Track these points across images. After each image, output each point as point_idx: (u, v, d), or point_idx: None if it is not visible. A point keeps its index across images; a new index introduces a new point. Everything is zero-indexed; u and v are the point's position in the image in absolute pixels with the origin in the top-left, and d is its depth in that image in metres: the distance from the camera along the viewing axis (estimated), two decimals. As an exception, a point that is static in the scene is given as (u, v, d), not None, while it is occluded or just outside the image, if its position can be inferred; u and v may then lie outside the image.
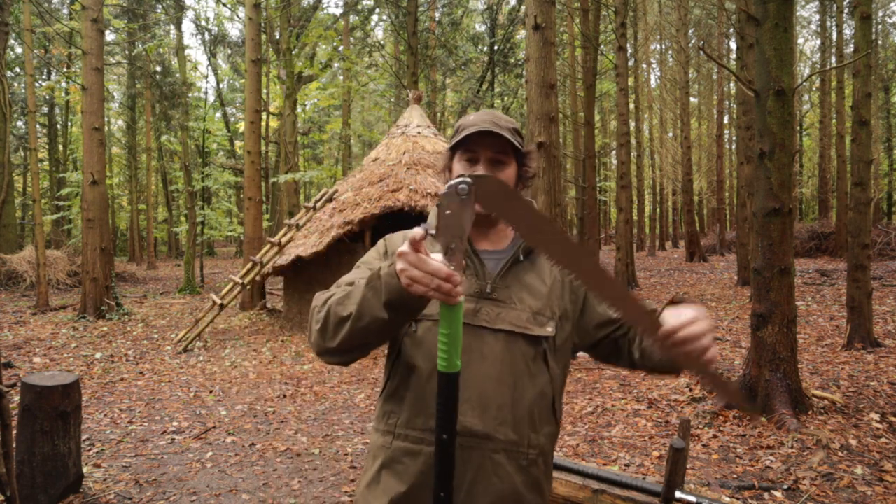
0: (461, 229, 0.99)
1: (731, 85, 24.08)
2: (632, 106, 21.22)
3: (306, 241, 8.83)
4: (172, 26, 21.58)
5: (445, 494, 1.05)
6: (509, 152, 1.29)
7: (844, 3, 17.30)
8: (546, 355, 1.25)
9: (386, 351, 1.33)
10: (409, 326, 1.23)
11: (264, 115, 18.86)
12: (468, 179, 0.99)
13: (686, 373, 1.09)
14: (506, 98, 23.07)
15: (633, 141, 21.62)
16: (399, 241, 1.35)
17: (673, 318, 1.05)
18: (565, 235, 1.03)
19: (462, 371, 1.17)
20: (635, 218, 27.91)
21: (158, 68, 22.74)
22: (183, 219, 22.45)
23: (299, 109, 21.42)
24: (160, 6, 20.82)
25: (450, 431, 1.03)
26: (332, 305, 1.13)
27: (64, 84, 20.85)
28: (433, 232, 1.00)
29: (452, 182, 0.98)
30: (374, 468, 1.25)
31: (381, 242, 1.39)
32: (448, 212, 0.99)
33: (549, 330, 1.25)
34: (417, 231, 0.98)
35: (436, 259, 0.96)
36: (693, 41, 25.99)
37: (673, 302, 1.11)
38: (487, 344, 1.22)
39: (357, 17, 20.35)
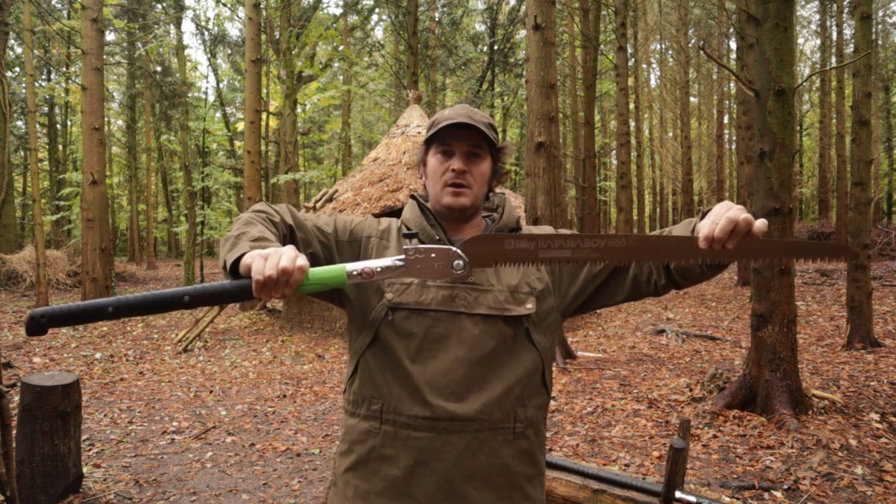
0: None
1: (731, 85, 24.06)
2: (632, 106, 21.21)
3: (306, 241, 8.83)
4: (172, 26, 21.58)
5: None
6: (484, 146, 1.28)
7: (844, 3, 17.30)
8: (529, 332, 1.25)
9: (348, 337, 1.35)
10: (387, 315, 1.23)
11: (264, 115, 18.84)
12: (464, 257, 1.02)
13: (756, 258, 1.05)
14: (506, 98, 23.06)
15: (633, 141, 21.61)
16: (380, 225, 1.35)
17: (704, 227, 1.00)
18: (563, 235, 1.04)
19: (441, 357, 1.22)
20: (635, 218, 27.91)
21: (158, 68, 22.74)
22: (183, 219, 22.46)
23: (299, 109, 21.42)
24: (160, 6, 20.82)
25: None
26: (229, 238, 1.11)
27: (63, 84, 20.84)
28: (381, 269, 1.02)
29: (448, 254, 1.02)
30: (361, 451, 1.25)
31: (360, 219, 1.37)
32: (420, 268, 1.02)
33: (529, 307, 1.24)
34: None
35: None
36: (693, 41, 25.98)
37: (702, 216, 1.09)
38: (465, 328, 1.22)
39: (357, 17, 20.35)
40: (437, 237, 1.28)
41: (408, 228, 1.32)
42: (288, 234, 1.24)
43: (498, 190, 1.41)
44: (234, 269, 1.03)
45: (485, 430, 1.21)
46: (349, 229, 1.32)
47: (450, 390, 1.20)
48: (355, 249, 1.31)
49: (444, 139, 1.27)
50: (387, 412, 1.23)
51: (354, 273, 1.00)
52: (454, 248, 1.02)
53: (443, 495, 1.20)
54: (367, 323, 1.26)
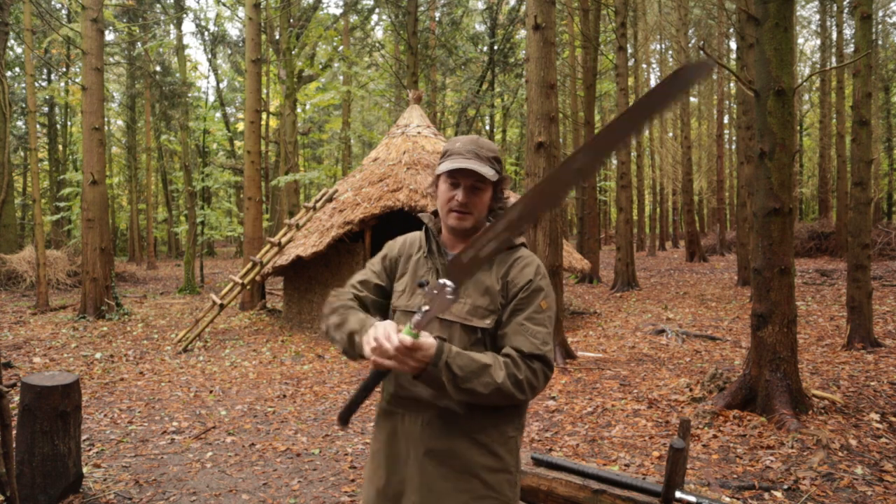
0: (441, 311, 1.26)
1: (731, 85, 24.07)
2: (632, 106, 21.15)
3: (306, 241, 8.83)
4: (172, 26, 21.57)
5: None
6: (486, 180, 1.50)
7: (844, 3, 17.30)
8: (486, 342, 1.46)
9: None
10: (392, 314, 1.59)
11: (264, 115, 18.84)
12: (450, 283, 1.23)
13: None
14: (506, 98, 23.06)
15: (632, 141, 21.58)
16: (397, 245, 1.67)
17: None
18: (504, 217, 1.23)
19: None
20: (635, 218, 27.89)
21: (158, 68, 22.74)
22: (183, 219, 22.44)
23: (299, 109, 21.41)
24: (159, 6, 20.81)
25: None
26: (330, 328, 1.53)
27: (63, 84, 20.83)
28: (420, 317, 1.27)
29: (439, 287, 1.25)
30: (376, 413, 1.63)
31: (385, 246, 1.70)
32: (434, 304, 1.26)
33: (487, 322, 1.46)
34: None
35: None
36: (693, 41, 25.98)
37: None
38: (434, 330, 1.46)
39: (357, 17, 20.35)
40: (434, 253, 1.55)
41: (427, 246, 1.62)
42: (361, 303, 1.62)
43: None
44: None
45: (438, 417, 1.44)
46: (382, 265, 1.66)
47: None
48: (394, 271, 1.64)
49: (452, 172, 1.49)
50: (385, 390, 1.58)
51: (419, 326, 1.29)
52: (444, 281, 1.23)
53: (416, 465, 1.45)
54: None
